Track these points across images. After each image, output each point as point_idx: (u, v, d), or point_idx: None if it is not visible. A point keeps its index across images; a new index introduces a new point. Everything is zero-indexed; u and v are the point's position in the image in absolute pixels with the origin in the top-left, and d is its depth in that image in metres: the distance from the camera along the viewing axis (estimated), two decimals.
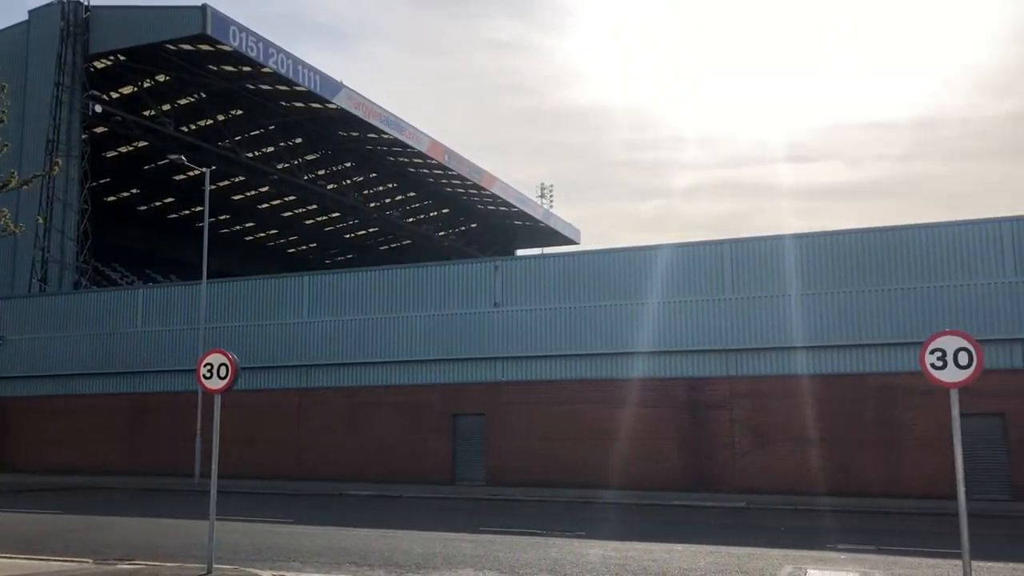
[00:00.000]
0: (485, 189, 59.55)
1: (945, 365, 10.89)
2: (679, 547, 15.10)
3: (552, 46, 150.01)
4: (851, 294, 26.43)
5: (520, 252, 72.90)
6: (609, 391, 28.64)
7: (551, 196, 77.91)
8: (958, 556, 10.73)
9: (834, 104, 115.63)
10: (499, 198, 62.16)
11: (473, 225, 73.57)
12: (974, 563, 11.58)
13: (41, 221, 37.27)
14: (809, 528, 18.80)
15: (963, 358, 10.80)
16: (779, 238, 27.86)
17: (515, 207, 65.04)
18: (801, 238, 27.49)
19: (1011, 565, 13.14)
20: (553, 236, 72.26)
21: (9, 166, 27.30)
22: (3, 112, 15.68)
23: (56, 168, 24.17)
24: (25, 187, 16.24)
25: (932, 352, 10.94)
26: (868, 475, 25.18)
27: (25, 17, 44.28)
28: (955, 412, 10.99)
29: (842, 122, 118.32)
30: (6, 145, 15.50)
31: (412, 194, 63.00)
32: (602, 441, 28.22)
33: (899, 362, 25.31)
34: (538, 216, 69.48)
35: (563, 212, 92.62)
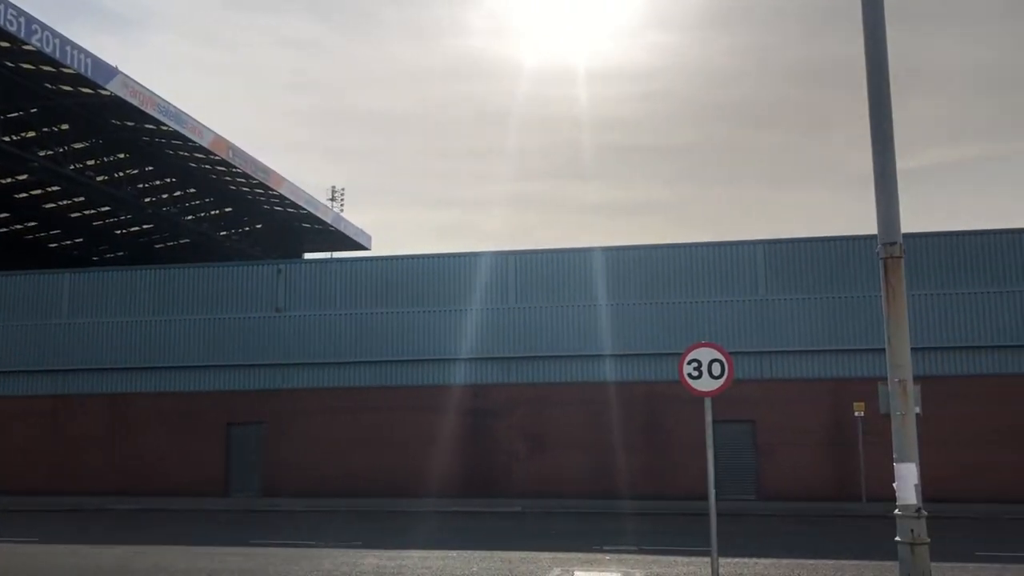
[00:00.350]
0: (272, 189, 57.60)
1: (700, 375, 11.71)
2: (454, 553, 15.23)
3: (349, 49, 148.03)
4: (625, 306, 27.88)
5: (308, 256, 71.15)
6: (395, 399, 28.51)
7: (342, 200, 76.66)
8: (709, 553, 11.53)
9: (610, 127, 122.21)
10: (287, 199, 60.33)
11: (258, 226, 70.83)
12: (722, 559, 12.50)
13: None
14: (580, 530, 19.58)
15: (716, 368, 11.66)
16: (560, 251, 28.94)
17: (304, 209, 63.40)
18: (580, 252, 28.70)
19: (754, 560, 14.31)
20: (343, 241, 71.22)
21: None
22: None
23: None
24: None
25: (689, 363, 11.74)
26: (637, 478, 26.60)
27: None
28: (708, 419, 11.82)
29: (616, 144, 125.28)
30: None
31: (192, 190, 59.54)
32: (387, 449, 28.03)
33: (664, 371, 26.95)
34: (328, 220, 68.22)
35: (355, 217, 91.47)
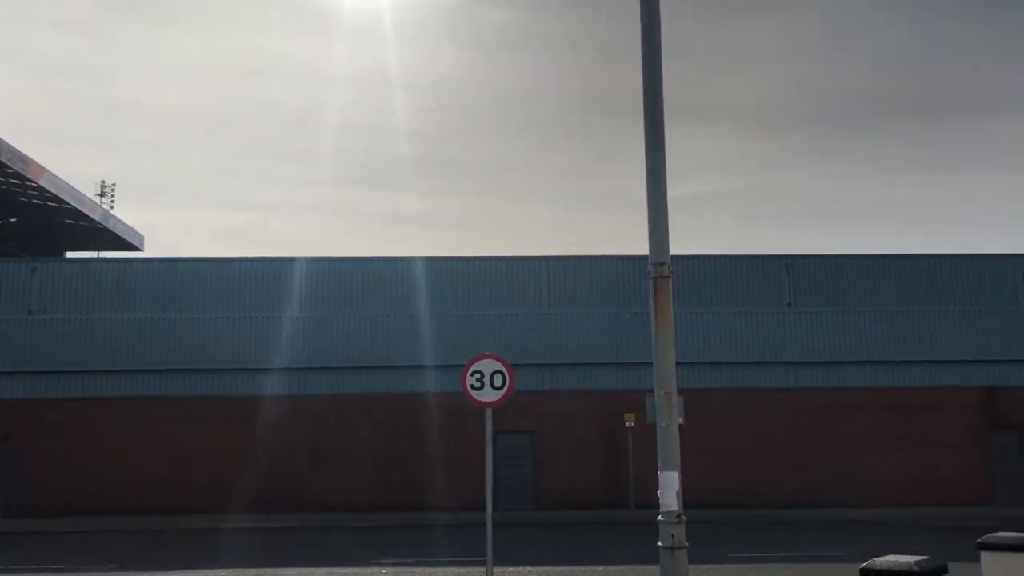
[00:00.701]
0: (31, 180, 52.34)
1: (483, 386, 11.89)
2: (224, 572, 14.52)
3: (129, 35, 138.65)
4: (415, 317, 27.86)
5: (71, 255, 65.70)
6: (170, 409, 26.79)
7: (113, 196, 71.51)
8: (484, 563, 11.68)
9: (410, 139, 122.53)
10: (48, 192, 55.17)
11: (12, 220, 63.99)
12: (497, 568, 12.71)
13: None
14: (360, 544, 19.29)
15: (498, 380, 11.89)
16: (348, 260, 28.50)
17: (68, 204, 58.36)
18: (368, 261, 28.42)
19: (528, 568, 14.67)
20: (112, 240, 66.30)
21: None
22: None
23: None
24: None
25: (472, 374, 11.89)
26: (423, 490, 26.54)
27: None
28: (488, 429, 12.02)
29: (415, 155, 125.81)
30: None
31: None
32: (164, 464, 26.27)
33: (450, 383, 27.14)
34: (96, 216, 63.12)
35: (127, 215, 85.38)
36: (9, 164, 49.89)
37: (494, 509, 12.14)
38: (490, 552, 11.67)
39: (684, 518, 8.67)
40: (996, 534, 9.07)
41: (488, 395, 11.84)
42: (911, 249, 52.37)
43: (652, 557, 9.46)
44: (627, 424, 26.13)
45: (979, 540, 8.91)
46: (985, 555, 8.85)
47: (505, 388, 11.83)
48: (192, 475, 26.22)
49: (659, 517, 8.69)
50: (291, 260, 28.35)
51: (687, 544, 8.58)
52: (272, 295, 27.90)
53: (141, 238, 70.71)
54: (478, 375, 11.86)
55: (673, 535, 8.55)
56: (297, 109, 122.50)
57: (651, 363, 9.35)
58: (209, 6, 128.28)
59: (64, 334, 27.42)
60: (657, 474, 8.89)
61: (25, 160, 51.32)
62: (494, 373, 11.85)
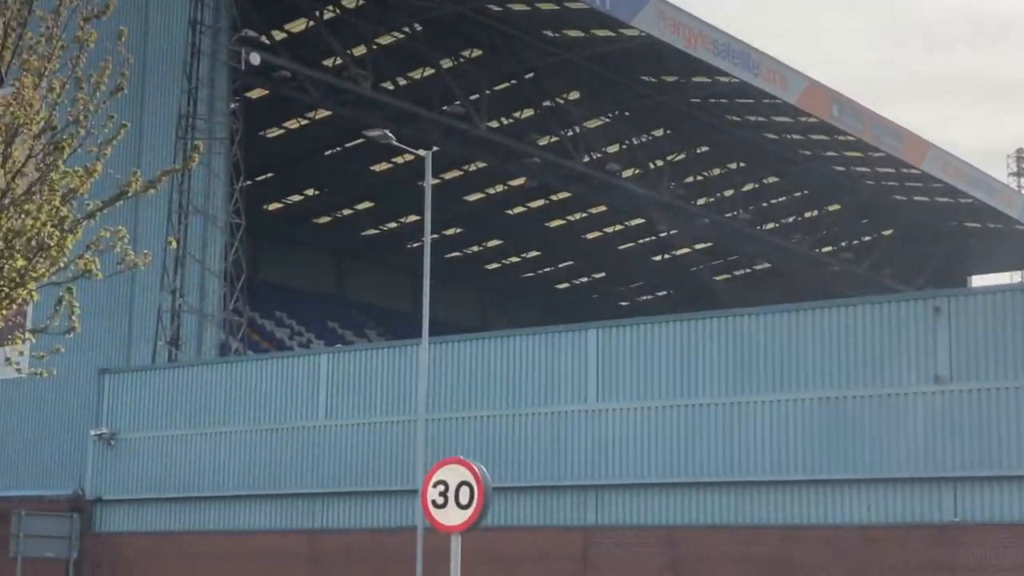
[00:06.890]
0: (910, 167, 37.24)
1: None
2: None
3: None
4: None
5: (977, 280, 47.84)
6: None
7: None
8: None
9: None
10: (934, 180, 38.31)
11: (886, 233, 47.17)
12: None
13: (173, 244, 26.49)
14: None
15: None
16: None
17: (966, 196, 39.90)
18: None
19: None
20: None
21: (127, 161, 20.72)
22: (124, 73, 10.75)
23: (196, 156, 15.31)
24: (151, 191, 11.36)
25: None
26: None
27: None
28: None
29: None
30: (125, 125, 10.88)
31: (772, 180, 42.24)
32: None
33: None
34: (1015, 213, 42.98)
35: None
36: (879, 145, 35.98)
37: None
38: None
39: None
40: None
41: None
42: None
43: None
44: None
45: None
46: None
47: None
48: None
49: None
50: None
51: None
52: None
53: None
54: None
55: None
56: None
57: None
58: None
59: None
60: None
61: (898, 135, 37.32)
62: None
